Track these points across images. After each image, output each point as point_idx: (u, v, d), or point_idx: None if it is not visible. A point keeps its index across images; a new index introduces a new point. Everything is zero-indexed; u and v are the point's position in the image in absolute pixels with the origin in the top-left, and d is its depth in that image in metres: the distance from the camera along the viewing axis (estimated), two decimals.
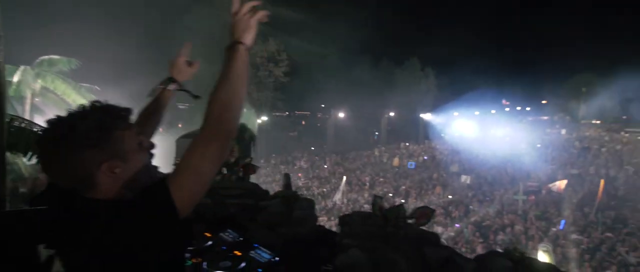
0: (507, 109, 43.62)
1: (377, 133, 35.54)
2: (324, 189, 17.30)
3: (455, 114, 32.80)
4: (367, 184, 18.79)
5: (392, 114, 33.70)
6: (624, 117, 37.54)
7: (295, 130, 33.84)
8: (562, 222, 12.32)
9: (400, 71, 33.13)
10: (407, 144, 30.41)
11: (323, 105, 35.38)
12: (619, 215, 13.61)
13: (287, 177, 3.24)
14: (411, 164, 22.21)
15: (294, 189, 3.00)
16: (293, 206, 2.60)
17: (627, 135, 29.96)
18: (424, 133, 33.05)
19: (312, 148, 27.88)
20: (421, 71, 32.93)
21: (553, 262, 9.53)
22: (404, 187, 17.93)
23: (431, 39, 34.80)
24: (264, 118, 23.62)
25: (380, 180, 19.64)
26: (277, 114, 27.41)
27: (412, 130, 33.49)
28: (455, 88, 36.95)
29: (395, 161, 22.19)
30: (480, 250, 11.03)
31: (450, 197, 16.15)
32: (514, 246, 1.42)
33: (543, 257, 9.58)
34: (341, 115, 30.66)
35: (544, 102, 46.39)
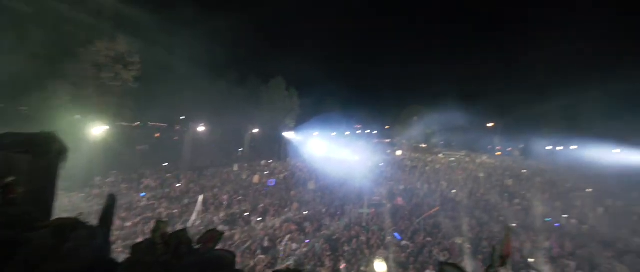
0: (358, 132, 49.22)
1: (241, 149, 34.87)
2: (175, 210, 15.64)
3: (315, 134, 35.11)
4: (225, 202, 17.94)
5: (255, 130, 33.60)
6: (441, 142, 47.23)
7: (146, 143, 30.04)
8: (396, 234, 14.17)
9: (266, 89, 33.49)
10: (270, 161, 30.76)
11: (183, 117, 32.79)
12: (436, 222, 16.47)
13: (110, 198, 2.56)
14: (271, 182, 22.37)
15: (135, 211, 2.36)
16: (68, 236, 1.99)
17: (443, 157, 37.70)
18: (285, 151, 34.07)
19: (166, 164, 25.21)
20: (286, 91, 33.99)
21: (387, 268, 10.71)
22: (262, 204, 17.78)
23: (295, 61, 36.66)
24: (105, 127, 19.95)
25: (239, 198, 19.04)
26: (124, 124, 23.75)
27: (275, 147, 34.14)
28: (315, 109, 39.76)
29: (256, 178, 21.96)
30: (328, 262, 11.66)
31: (305, 213, 16.72)
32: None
33: (379, 264, 10.68)
34: (201, 129, 28.71)
35: (387, 127, 54.43)
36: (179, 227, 13.76)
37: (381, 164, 31.24)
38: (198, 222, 13.82)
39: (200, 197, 14.70)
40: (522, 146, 44.32)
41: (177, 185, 20.10)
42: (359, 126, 51.16)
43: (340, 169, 25.42)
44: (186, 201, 17.03)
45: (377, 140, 49.89)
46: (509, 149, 45.20)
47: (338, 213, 17.29)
